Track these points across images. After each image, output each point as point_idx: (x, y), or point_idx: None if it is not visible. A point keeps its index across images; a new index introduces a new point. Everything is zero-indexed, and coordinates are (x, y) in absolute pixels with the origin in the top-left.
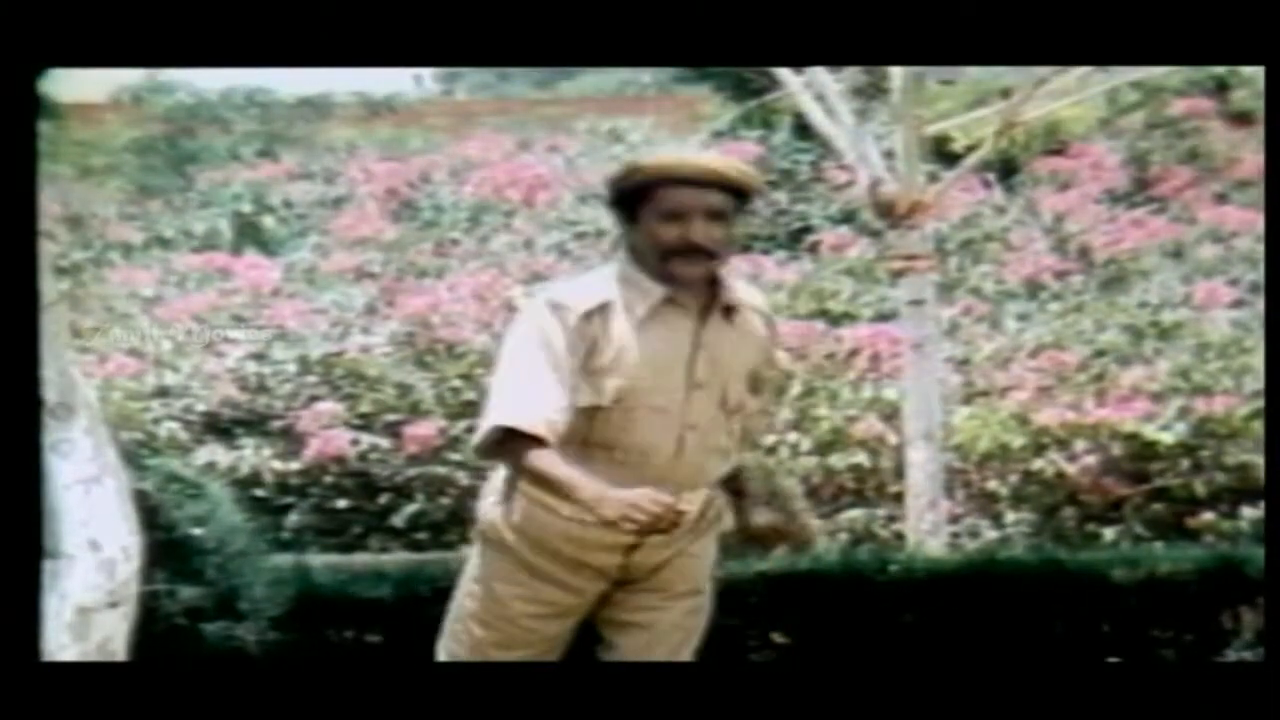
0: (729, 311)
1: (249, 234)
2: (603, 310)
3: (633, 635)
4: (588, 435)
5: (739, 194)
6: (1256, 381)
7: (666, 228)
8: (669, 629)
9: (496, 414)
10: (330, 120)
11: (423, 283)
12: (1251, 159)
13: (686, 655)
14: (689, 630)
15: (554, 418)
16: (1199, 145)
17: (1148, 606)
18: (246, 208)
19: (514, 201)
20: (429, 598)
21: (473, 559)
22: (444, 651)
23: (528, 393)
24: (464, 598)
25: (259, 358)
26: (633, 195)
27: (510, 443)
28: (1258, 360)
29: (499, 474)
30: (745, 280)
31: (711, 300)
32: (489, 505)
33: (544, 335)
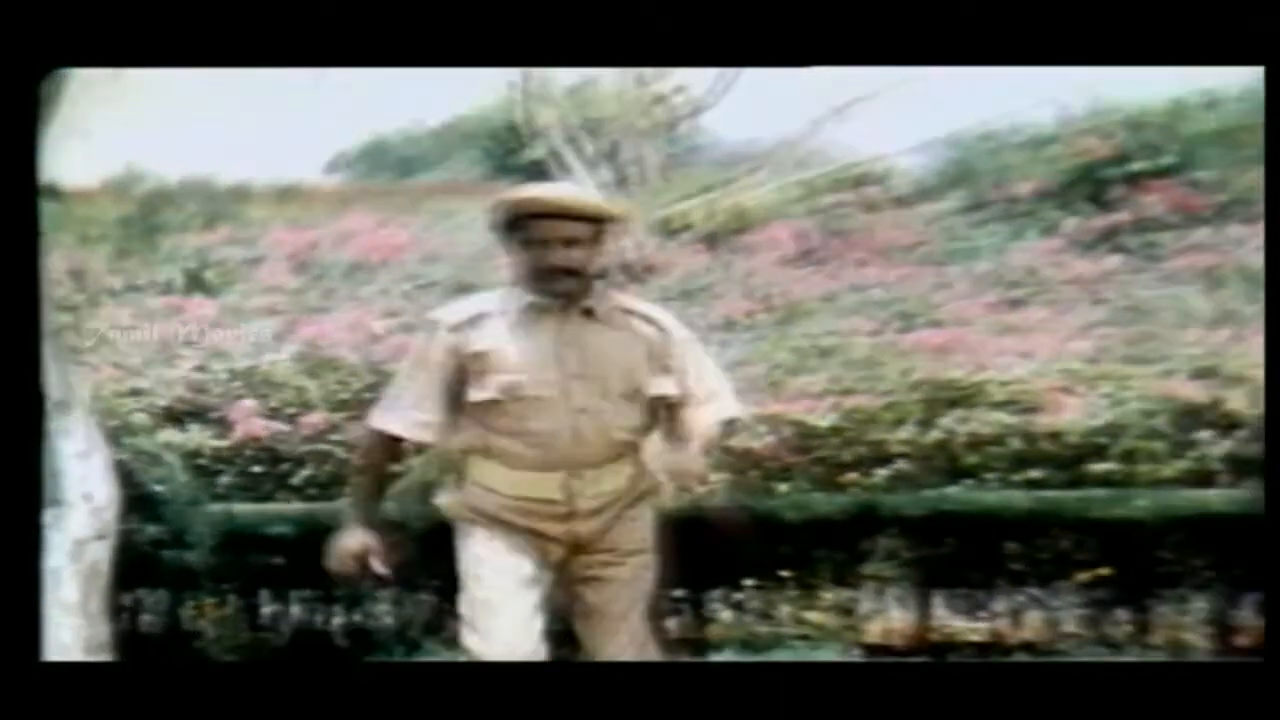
0: (589, 313)
1: (196, 283)
2: (473, 321)
3: (595, 588)
4: (494, 425)
5: (596, 221)
6: (887, 383)
7: (533, 254)
8: (625, 583)
9: (371, 417)
10: (251, 203)
11: (313, 317)
12: (885, 233)
13: (642, 606)
14: (643, 583)
15: (419, 418)
16: (846, 224)
17: (809, 537)
18: (194, 264)
19: (376, 261)
20: (319, 534)
21: (460, 553)
22: (466, 639)
23: (397, 400)
24: (466, 584)
25: (201, 369)
26: (507, 226)
27: (377, 438)
28: (892, 370)
29: (452, 474)
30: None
31: (572, 305)
32: (447, 496)
33: (419, 349)
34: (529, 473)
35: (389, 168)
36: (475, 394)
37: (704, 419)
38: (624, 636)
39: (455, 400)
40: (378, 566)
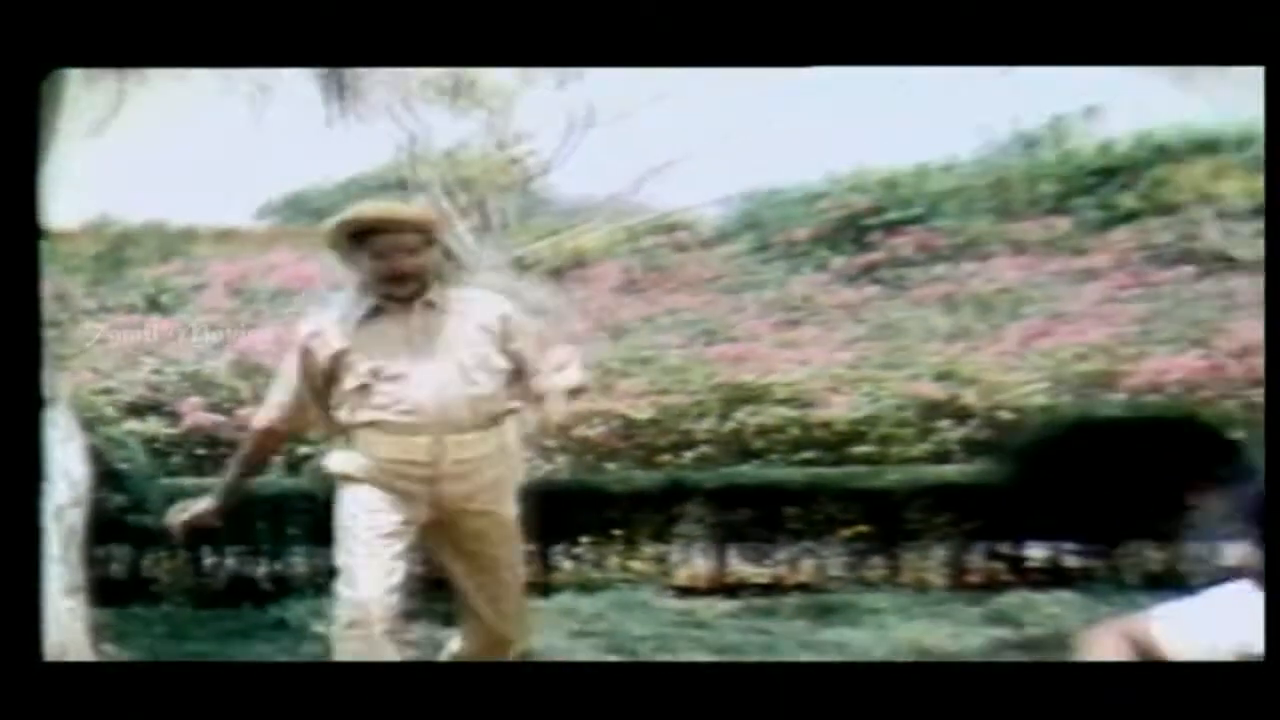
0: (430, 305)
1: (153, 305)
2: (325, 329)
3: (466, 550)
4: (370, 403)
5: (425, 230)
6: (694, 385)
7: (381, 263)
8: (494, 544)
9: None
10: (197, 242)
11: (245, 332)
12: (692, 269)
13: (517, 559)
14: (509, 546)
15: (271, 402)
16: (661, 262)
17: (632, 505)
18: (151, 290)
19: (295, 288)
20: (247, 503)
21: (337, 510)
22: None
23: (269, 397)
24: (339, 538)
25: (158, 372)
26: (350, 242)
27: (250, 432)
28: (697, 375)
29: (336, 440)
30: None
31: (415, 300)
32: (332, 457)
33: (283, 362)
34: (401, 438)
35: (306, 214)
36: (349, 382)
37: (558, 382)
38: (495, 590)
39: (323, 392)
40: (209, 521)
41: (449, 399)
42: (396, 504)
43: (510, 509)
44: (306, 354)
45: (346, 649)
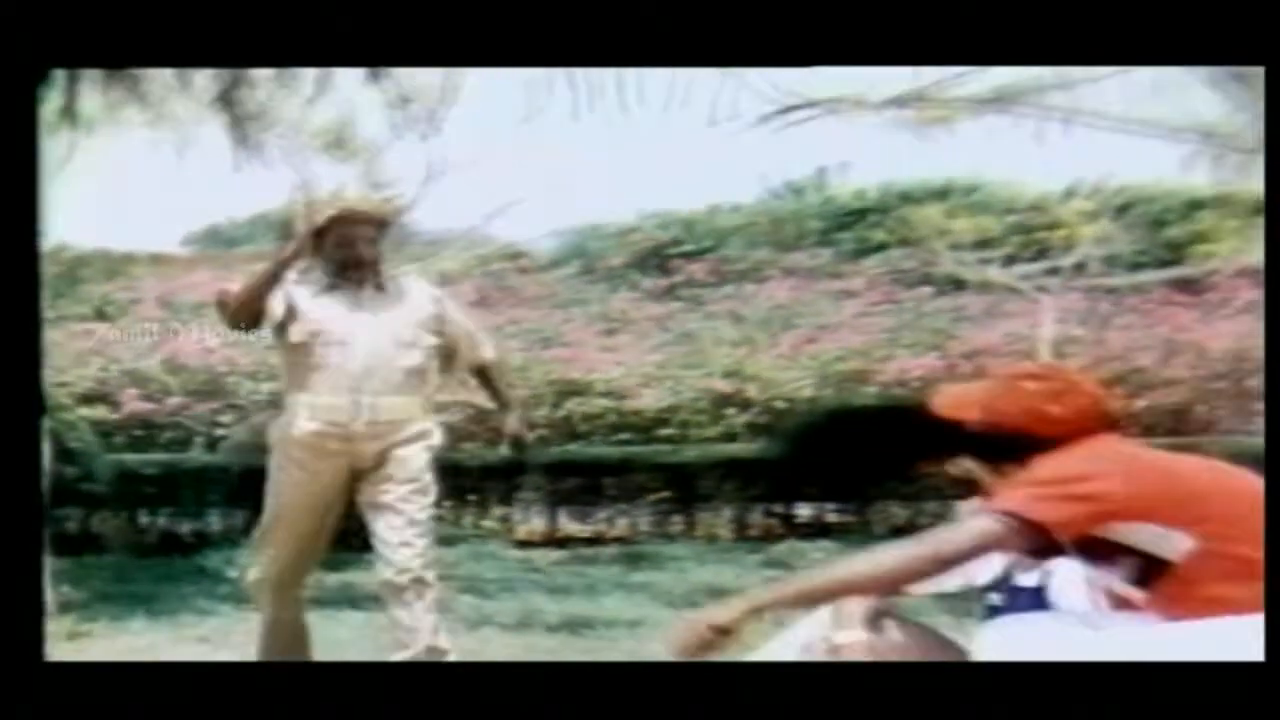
0: (380, 288)
1: (100, 315)
2: (289, 290)
3: (383, 514)
4: (306, 362)
5: (382, 224)
6: (534, 381)
7: (344, 252)
8: (399, 502)
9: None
10: (134, 264)
11: (175, 338)
12: (531, 289)
13: (424, 518)
14: (421, 505)
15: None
16: (507, 283)
17: (483, 476)
18: (99, 303)
19: (212, 301)
20: (176, 475)
21: (269, 476)
22: (251, 571)
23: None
24: (267, 500)
25: (104, 369)
26: (318, 231)
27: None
28: (536, 373)
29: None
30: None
31: (364, 281)
32: (276, 424)
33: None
34: (326, 397)
35: (221, 243)
36: (293, 335)
37: (479, 355)
38: (407, 551)
39: (284, 325)
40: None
41: (378, 366)
42: (321, 468)
43: (421, 465)
44: (283, 298)
45: (263, 601)
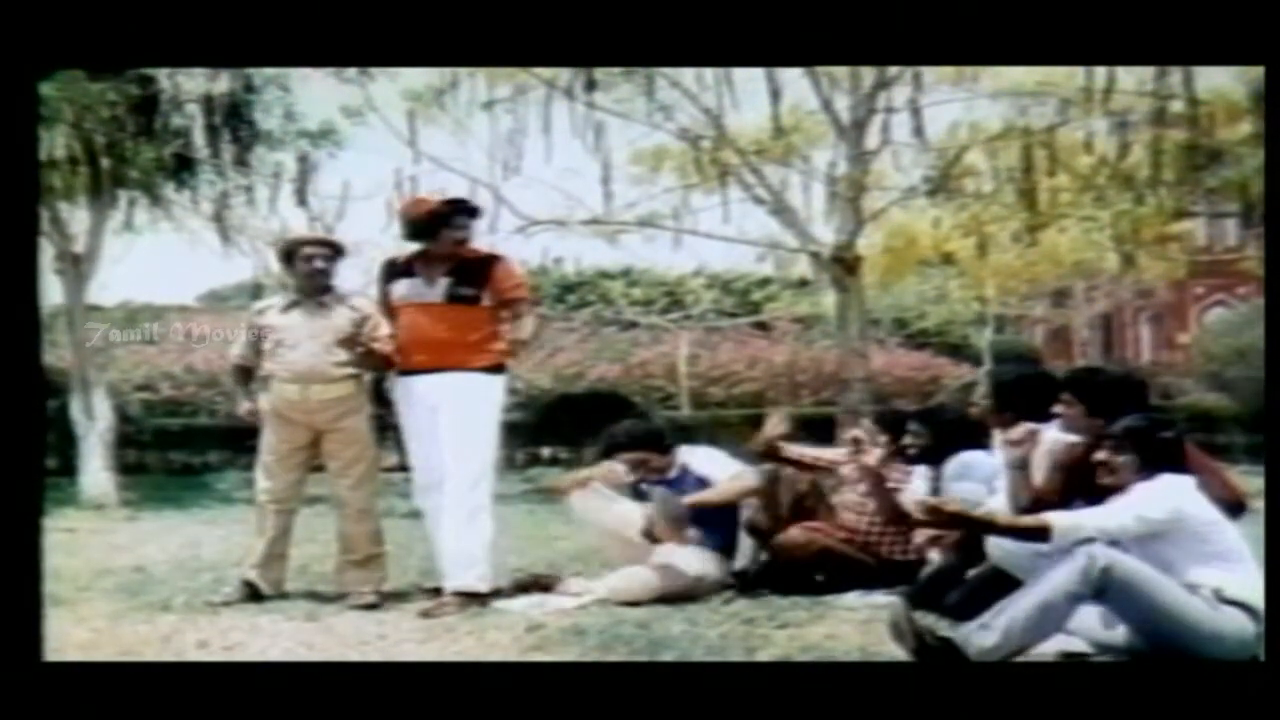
0: (323, 304)
1: (150, 340)
2: (261, 311)
3: (337, 483)
4: (275, 362)
5: (337, 252)
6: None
7: (306, 272)
8: (352, 479)
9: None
10: (167, 311)
11: (191, 354)
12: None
13: (372, 477)
14: (366, 480)
15: (235, 352)
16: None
17: None
18: (151, 337)
19: (195, 337)
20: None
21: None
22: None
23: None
24: (259, 451)
25: (149, 372)
26: (287, 256)
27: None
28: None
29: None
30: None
31: (315, 298)
32: (263, 400)
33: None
34: (288, 384)
35: (217, 299)
36: (266, 345)
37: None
38: (357, 478)
39: (257, 347)
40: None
41: (316, 364)
42: (290, 426)
43: (362, 428)
44: (250, 324)
45: (264, 513)
